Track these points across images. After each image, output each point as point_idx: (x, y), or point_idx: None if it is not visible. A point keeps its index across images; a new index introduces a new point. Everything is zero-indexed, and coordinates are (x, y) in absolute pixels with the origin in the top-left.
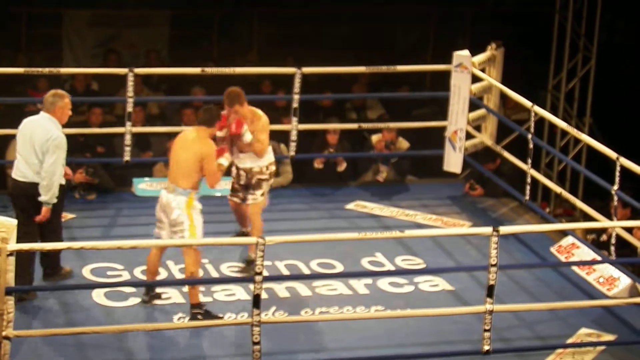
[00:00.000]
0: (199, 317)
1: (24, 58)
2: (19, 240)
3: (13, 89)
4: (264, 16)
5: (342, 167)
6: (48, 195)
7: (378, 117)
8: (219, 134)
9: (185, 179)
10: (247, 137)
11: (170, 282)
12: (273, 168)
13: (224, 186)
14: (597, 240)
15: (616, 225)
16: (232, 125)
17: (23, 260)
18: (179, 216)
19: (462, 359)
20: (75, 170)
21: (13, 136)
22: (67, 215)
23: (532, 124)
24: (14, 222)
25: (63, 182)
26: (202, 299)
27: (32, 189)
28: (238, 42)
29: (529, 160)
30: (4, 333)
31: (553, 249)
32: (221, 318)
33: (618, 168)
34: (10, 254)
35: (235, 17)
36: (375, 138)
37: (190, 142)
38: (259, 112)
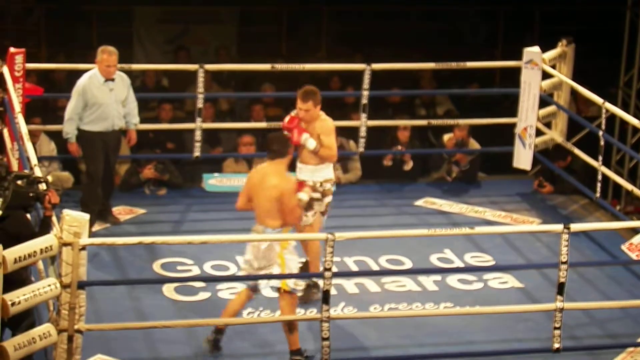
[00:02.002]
0: None
1: (95, 55)
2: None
3: None
4: (332, 13)
5: (409, 166)
6: (64, 133)
7: (445, 113)
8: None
9: (272, 218)
10: (310, 144)
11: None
12: (328, 186)
13: None
14: None
15: None
16: (295, 132)
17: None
18: (269, 257)
19: (532, 357)
20: (144, 166)
21: None
22: (137, 211)
23: (603, 121)
24: (87, 216)
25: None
26: (272, 294)
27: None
28: (306, 39)
29: (600, 158)
30: (76, 327)
31: (624, 247)
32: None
33: None
34: (83, 248)
35: (304, 14)
36: (446, 137)
37: (268, 179)
38: (324, 115)
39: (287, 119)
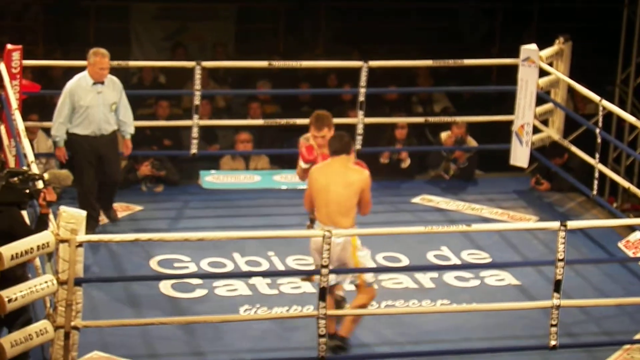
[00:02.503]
0: (340, 349)
1: None
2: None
3: None
4: (330, 10)
5: (406, 163)
6: (52, 137)
7: (442, 110)
8: (304, 166)
9: (345, 217)
10: None
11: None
12: None
13: (290, 179)
14: None
15: None
16: (304, 154)
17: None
18: (345, 258)
19: (528, 354)
20: (141, 163)
21: None
22: (134, 208)
23: (600, 119)
24: (84, 213)
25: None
26: (269, 291)
27: None
28: (304, 36)
29: (597, 155)
30: (72, 323)
31: (621, 244)
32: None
33: None
34: (80, 245)
35: (301, 11)
36: (444, 135)
37: (342, 175)
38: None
39: (304, 150)
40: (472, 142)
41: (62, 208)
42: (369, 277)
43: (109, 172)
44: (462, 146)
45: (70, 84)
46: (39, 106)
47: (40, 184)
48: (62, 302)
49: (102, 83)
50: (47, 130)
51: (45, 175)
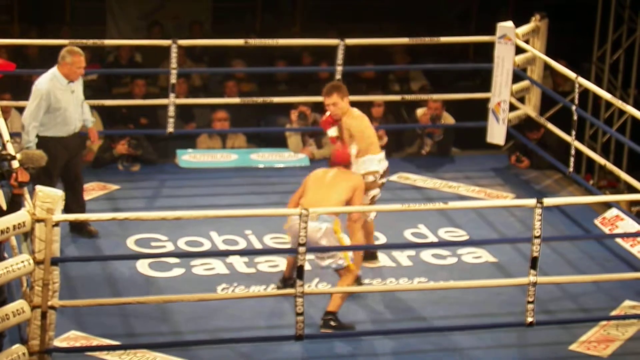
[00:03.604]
0: (332, 323)
1: (68, 30)
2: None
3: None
4: None
5: (383, 141)
6: (23, 141)
7: (420, 89)
8: (332, 132)
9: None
10: (330, 132)
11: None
12: (371, 178)
13: (267, 158)
14: None
15: None
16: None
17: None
18: (330, 243)
19: (505, 331)
20: (118, 142)
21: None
22: (111, 187)
23: (577, 96)
24: (60, 192)
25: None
26: (247, 270)
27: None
28: (281, 15)
29: (573, 132)
30: (49, 303)
31: (597, 221)
32: (353, 328)
33: None
34: (56, 225)
35: None
36: (420, 112)
37: (336, 181)
38: (356, 112)
39: (322, 123)
40: (448, 118)
41: (38, 187)
42: (351, 256)
43: (77, 170)
44: (438, 123)
45: (44, 86)
46: (13, 85)
47: (15, 164)
48: (39, 281)
49: (73, 81)
50: (21, 110)
51: (18, 156)
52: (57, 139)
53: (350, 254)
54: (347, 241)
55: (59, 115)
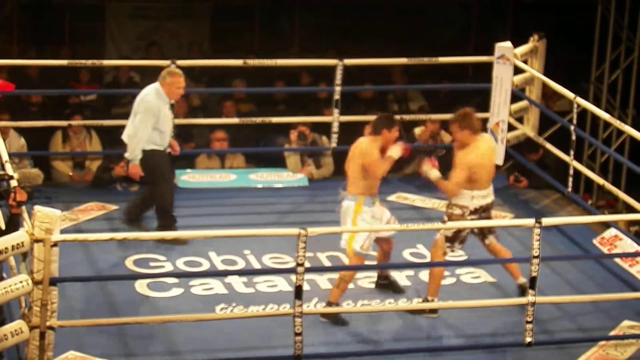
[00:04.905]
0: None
1: (67, 51)
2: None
3: (56, 81)
4: (305, 8)
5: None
6: (130, 153)
7: (419, 109)
8: (430, 171)
9: (350, 185)
10: (433, 174)
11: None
12: (457, 211)
13: (266, 178)
14: None
15: None
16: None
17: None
18: (346, 222)
19: (504, 351)
20: (117, 163)
21: (57, 128)
22: (109, 207)
23: (575, 116)
24: (58, 212)
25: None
26: (245, 290)
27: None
28: (279, 34)
29: (572, 152)
30: (48, 323)
31: (595, 241)
32: (347, 324)
33: None
34: (54, 245)
35: (276, 9)
36: (417, 131)
37: (357, 149)
38: (474, 144)
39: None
40: (446, 137)
41: (37, 207)
42: (356, 247)
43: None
44: (436, 142)
45: (153, 101)
46: (11, 105)
47: (13, 184)
48: (38, 301)
49: (173, 100)
50: (19, 130)
51: (15, 175)
52: (160, 152)
53: (357, 240)
54: (358, 223)
55: (162, 130)
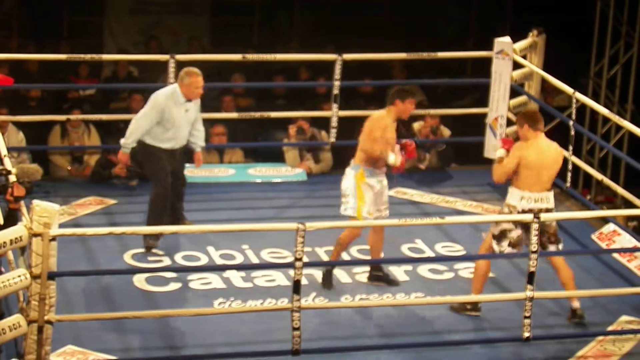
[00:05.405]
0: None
1: (66, 45)
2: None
3: (55, 75)
4: (304, 3)
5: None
6: (124, 139)
7: (418, 104)
8: (500, 153)
9: (357, 154)
10: (500, 152)
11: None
12: (505, 210)
13: (265, 173)
14: (638, 228)
15: None
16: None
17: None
18: (347, 188)
19: (502, 346)
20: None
21: (55, 122)
22: (108, 201)
23: (574, 111)
24: (56, 207)
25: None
26: (244, 284)
27: None
28: (278, 30)
29: (571, 147)
30: (46, 317)
31: (594, 236)
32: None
33: None
34: (53, 239)
35: (276, 4)
36: (417, 125)
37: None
38: (533, 141)
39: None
40: (445, 132)
41: (35, 202)
42: (364, 213)
43: (180, 176)
44: (436, 137)
45: (162, 99)
46: (9, 100)
47: (11, 179)
48: (36, 296)
49: (190, 101)
50: (18, 124)
51: (14, 170)
52: (162, 149)
53: (364, 208)
54: (363, 190)
55: (169, 129)
